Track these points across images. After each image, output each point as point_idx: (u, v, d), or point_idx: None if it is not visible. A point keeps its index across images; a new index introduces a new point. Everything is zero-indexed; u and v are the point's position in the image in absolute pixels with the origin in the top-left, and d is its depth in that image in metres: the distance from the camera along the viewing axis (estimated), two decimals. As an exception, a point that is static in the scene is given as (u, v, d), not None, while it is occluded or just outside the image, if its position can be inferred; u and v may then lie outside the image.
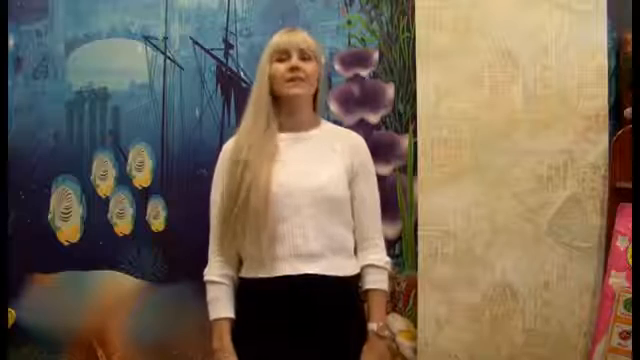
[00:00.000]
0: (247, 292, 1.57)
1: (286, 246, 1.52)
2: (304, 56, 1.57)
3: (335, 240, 1.56)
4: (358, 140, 1.67)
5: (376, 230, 1.65)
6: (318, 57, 1.61)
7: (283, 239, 1.52)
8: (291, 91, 1.55)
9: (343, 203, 1.59)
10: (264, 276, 1.53)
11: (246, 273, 1.57)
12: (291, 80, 1.54)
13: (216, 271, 1.58)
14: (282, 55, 1.56)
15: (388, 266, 1.64)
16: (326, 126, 1.67)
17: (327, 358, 1.51)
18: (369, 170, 1.66)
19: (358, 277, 1.62)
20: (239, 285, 1.59)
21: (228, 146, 1.63)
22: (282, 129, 1.59)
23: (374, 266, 1.62)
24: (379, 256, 1.63)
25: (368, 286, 1.62)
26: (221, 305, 1.56)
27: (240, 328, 1.56)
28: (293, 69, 1.54)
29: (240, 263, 1.60)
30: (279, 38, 1.59)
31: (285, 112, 1.59)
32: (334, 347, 1.52)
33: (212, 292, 1.58)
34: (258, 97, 1.58)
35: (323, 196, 1.54)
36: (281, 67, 1.55)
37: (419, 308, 2.20)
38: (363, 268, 1.62)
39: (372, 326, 1.59)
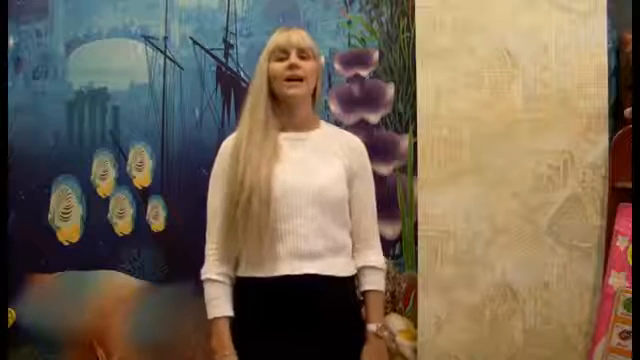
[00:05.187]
0: (245, 291, 1.57)
1: (286, 246, 1.52)
2: (302, 55, 1.57)
3: (334, 240, 1.56)
4: (357, 142, 1.68)
5: (373, 232, 1.66)
6: (317, 56, 1.61)
7: (283, 239, 1.52)
8: (289, 91, 1.55)
9: (342, 204, 1.59)
10: (263, 275, 1.52)
11: (244, 272, 1.57)
12: (289, 79, 1.55)
13: (214, 269, 1.58)
14: (281, 54, 1.57)
15: (385, 267, 1.66)
16: (326, 127, 1.68)
17: (327, 357, 1.52)
18: (367, 172, 1.67)
19: (355, 278, 1.63)
20: (237, 284, 1.59)
21: (228, 143, 1.62)
22: (282, 129, 1.59)
23: (371, 267, 1.63)
24: (376, 257, 1.64)
25: (366, 287, 1.63)
26: (220, 304, 1.56)
27: (239, 327, 1.56)
28: (292, 67, 1.54)
29: (237, 261, 1.60)
30: (278, 37, 1.59)
31: (285, 112, 1.59)
32: (333, 346, 1.53)
33: (210, 291, 1.58)
34: (257, 96, 1.58)
35: (323, 197, 1.54)
36: (280, 66, 1.55)
37: (419, 308, 2.20)
38: (360, 269, 1.63)
39: (371, 327, 1.59)
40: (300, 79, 1.55)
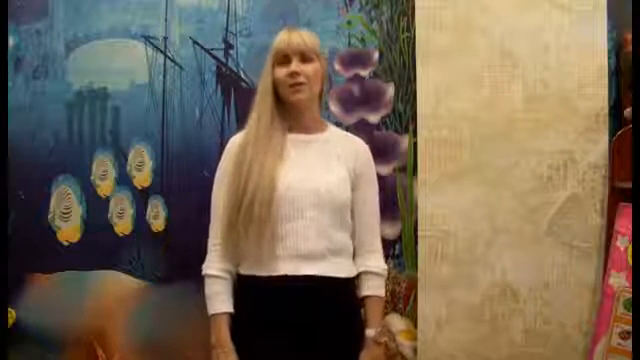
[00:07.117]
0: (246, 290, 1.57)
1: (287, 246, 1.52)
2: (305, 58, 1.56)
3: (336, 242, 1.57)
4: (362, 146, 1.69)
5: (375, 236, 1.66)
6: (320, 56, 1.61)
7: (285, 239, 1.52)
8: (293, 97, 1.56)
9: (345, 206, 1.59)
10: (264, 275, 1.53)
11: (245, 271, 1.57)
12: (293, 85, 1.55)
13: (216, 265, 1.58)
14: (283, 59, 1.56)
15: (385, 272, 1.65)
16: (332, 130, 1.68)
17: (326, 358, 1.52)
18: (371, 176, 1.67)
19: (356, 279, 1.63)
20: (238, 282, 1.59)
21: (235, 142, 1.63)
22: (290, 130, 1.60)
23: (371, 272, 1.63)
24: (377, 262, 1.64)
25: (365, 292, 1.63)
26: (220, 299, 1.56)
27: (239, 325, 1.56)
28: (293, 75, 1.54)
29: (239, 259, 1.60)
30: (279, 41, 1.59)
31: (291, 114, 1.60)
32: (332, 347, 1.53)
33: (211, 286, 1.58)
34: (263, 100, 1.59)
35: (326, 199, 1.54)
36: (282, 72, 1.56)
37: (419, 308, 2.21)
38: (360, 274, 1.63)
39: (369, 332, 1.59)
40: (303, 84, 1.55)
